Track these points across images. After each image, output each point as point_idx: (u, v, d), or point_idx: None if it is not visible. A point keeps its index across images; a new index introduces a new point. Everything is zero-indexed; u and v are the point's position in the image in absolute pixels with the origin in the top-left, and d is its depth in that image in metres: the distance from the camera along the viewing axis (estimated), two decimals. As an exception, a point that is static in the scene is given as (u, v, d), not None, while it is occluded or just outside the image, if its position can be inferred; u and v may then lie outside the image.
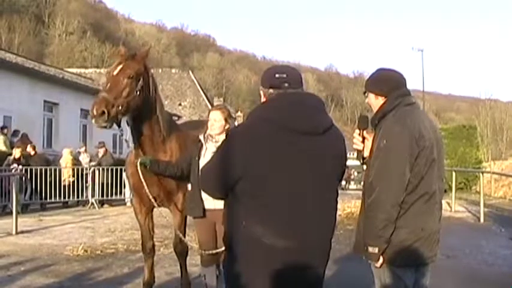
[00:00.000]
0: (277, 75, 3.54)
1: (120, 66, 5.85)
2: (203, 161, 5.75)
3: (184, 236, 6.76)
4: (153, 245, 6.97)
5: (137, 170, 6.39)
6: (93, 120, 5.63)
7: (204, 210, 5.83)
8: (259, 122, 3.36)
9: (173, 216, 6.64)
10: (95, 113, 5.55)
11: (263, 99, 3.58)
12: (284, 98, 3.44)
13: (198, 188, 5.73)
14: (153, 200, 6.36)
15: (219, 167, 3.46)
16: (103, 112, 5.55)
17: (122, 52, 6.06)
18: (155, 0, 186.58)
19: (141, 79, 5.94)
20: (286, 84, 3.50)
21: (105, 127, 5.72)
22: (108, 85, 5.78)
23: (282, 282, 3.29)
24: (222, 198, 3.59)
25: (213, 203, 5.63)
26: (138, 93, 5.89)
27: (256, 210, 3.29)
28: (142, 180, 6.19)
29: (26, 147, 20.18)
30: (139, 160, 6.20)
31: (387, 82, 4.34)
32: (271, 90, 3.52)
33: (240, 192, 3.34)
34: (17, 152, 19.22)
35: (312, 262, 3.38)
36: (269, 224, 3.26)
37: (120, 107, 5.71)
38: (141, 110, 6.07)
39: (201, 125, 6.84)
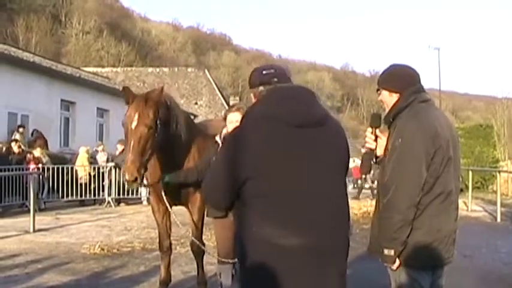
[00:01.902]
0: (264, 72, 3.65)
1: (136, 116, 5.85)
2: None
3: (202, 236, 6.79)
4: (170, 244, 7.00)
5: (154, 169, 6.44)
6: (127, 183, 5.86)
7: None
8: (253, 120, 3.31)
9: (191, 214, 6.66)
10: (128, 178, 5.69)
11: (254, 100, 3.61)
12: (273, 93, 3.42)
13: None
14: (168, 204, 6.43)
15: (220, 173, 3.38)
16: (136, 178, 5.69)
17: (133, 97, 6.02)
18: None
19: (158, 121, 5.97)
20: (275, 79, 3.58)
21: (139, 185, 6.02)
22: (132, 144, 5.81)
23: (301, 283, 3.23)
24: (229, 208, 3.55)
25: None
26: (159, 137, 5.97)
27: (265, 211, 3.21)
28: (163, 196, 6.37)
29: (41, 145, 20.31)
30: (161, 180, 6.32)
31: (401, 78, 4.26)
32: (261, 88, 3.60)
33: (246, 195, 3.26)
34: (36, 151, 19.41)
35: (329, 259, 3.28)
36: (280, 224, 3.18)
37: (146, 159, 5.88)
38: (165, 142, 6.17)
39: (220, 124, 6.84)
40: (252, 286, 3.36)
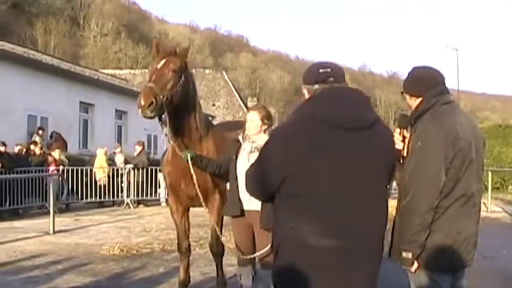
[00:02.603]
0: (321, 70, 3.53)
1: (163, 61, 5.92)
2: (240, 161, 5.78)
3: (221, 235, 6.78)
4: (189, 245, 6.99)
5: (174, 169, 6.45)
6: (140, 111, 5.63)
7: (242, 210, 5.82)
8: (303, 120, 3.32)
9: (210, 215, 6.60)
10: (143, 103, 5.57)
11: (307, 96, 3.55)
12: (328, 93, 3.41)
13: (236, 188, 5.75)
14: (194, 177, 6.22)
15: (262, 168, 3.45)
16: (151, 102, 5.59)
17: (164, 47, 6.12)
18: (188, 1, 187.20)
19: (182, 75, 6.01)
20: (331, 79, 3.48)
21: (151, 117, 5.77)
22: (154, 77, 5.82)
23: (332, 283, 3.25)
24: (268, 201, 3.58)
25: (249, 204, 5.63)
26: (180, 88, 5.96)
27: (303, 211, 3.24)
28: (191, 168, 6.15)
29: (60, 147, 20.45)
30: (183, 152, 6.18)
31: (421, 82, 4.24)
32: (316, 86, 3.49)
33: (285, 193, 3.31)
34: (56, 153, 19.56)
35: (362, 261, 3.31)
36: (316, 224, 3.21)
37: (165, 98, 5.76)
38: (182, 106, 6.13)
39: (237, 126, 6.85)
40: (282, 279, 3.41)
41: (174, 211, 6.89)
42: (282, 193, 3.34)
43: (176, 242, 7.09)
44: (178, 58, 6.03)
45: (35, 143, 19.98)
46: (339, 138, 3.24)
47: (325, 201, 3.23)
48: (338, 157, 3.24)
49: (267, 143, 3.53)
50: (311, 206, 3.24)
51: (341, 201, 3.24)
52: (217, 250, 6.92)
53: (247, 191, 4.03)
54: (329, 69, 3.52)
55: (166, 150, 7.00)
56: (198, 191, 6.17)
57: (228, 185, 6.13)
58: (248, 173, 3.76)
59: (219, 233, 6.50)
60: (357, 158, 3.27)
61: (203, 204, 6.36)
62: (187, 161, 6.08)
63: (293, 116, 3.45)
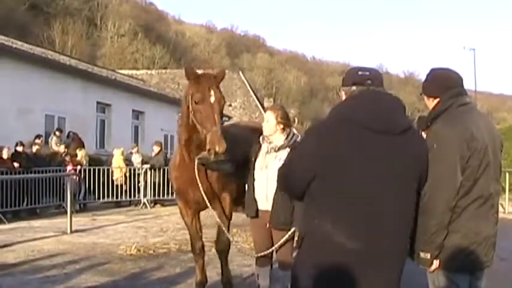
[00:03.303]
0: (360, 73, 3.62)
1: (212, 92, 5.87)
2: (257, 162, 5.79)
3: (226, 236, 6.73)
4: (203, 245, 6.97)
5: (181, 174, 6.42)
6: (212, 156, 5.60)
7: (257, 210, 5.83)
8: (336, 121, 3.38)
9: (218, 218, 6.55)
10: (221, 151, 5.53)
11: (344, 97, 3.63)
12: (364, 96, 3.47)
13: (253, 189, 5.77)
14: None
15: (293, 165, 3.53)
16: (226, 149, 5.56)
17: (204, 75, 6.08)
18: (205, 2, 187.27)
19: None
20: (369, 82, 3.55)
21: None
22: (216, 117, 5.77)
23: (347, 283, 3.26)
24: (299, 198, 3.62)
25: (266, 204, 5.64)
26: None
27: (329, 210, 3.29)
28: (197, 176, 6.12)
29: (78, 147, 20.60)
30: (199, 156, 6.11)
31: (438, 83, 4.28)
32: (354, 88, 3.58)
33: (314, 191, 3.36)
34: (79, 154, 19.79)
35: (382, 265, 3.32)
36: (341, 224, 3.25)
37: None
38: None
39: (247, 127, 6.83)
40: (301, 271, 3.45)
41: (184, 214, 6.89)
42: (311, 189, 3.38)
43: (190, 243, 7.09)
44: (219, 84, 6.03)
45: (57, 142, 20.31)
46: (371, 141, 3.28)
47: (351, 202, 3.26)
48: (369, 160, 3.28)
49: (302, 140, 3.59)
50: (337, 206, 3.28)
51: (367, 204, 3.27)
52: (223, 248, 6.88)
53: (279, 188, 4.09)
54: (367, 73, 3.61)
55: (174, 154, 6.98)
56: (204, 197, 6.20)
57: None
58: (280, 170, 3.83)
59: (225, 230, 6.47)
60: (387, 162, 3.30)
61: (210, 208, 6.36)
62: (203, 165, 6.05)
63: (329, 115, 3.50)
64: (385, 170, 3.29)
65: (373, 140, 3.28)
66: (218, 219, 6.49)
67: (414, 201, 3.53)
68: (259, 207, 5.81)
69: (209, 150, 5.56)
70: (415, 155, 3.48)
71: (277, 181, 3.96)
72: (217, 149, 5.50)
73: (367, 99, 3.43)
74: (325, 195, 3.31)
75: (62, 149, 19.82)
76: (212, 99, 5.85)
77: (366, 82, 3.55)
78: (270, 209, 5.58)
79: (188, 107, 5.98)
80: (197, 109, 5.86)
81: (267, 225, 5.64)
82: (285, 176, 3.69)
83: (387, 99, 3.53)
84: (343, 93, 3.68)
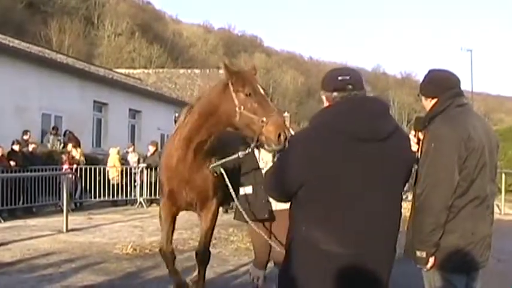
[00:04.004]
0: (340, 78, 3.49)
1: (258, 85, 5.63)
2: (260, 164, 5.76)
3: (210, 243, 6.64)
4: (173, 249, 6.70)
5: (177, 175, 6.25)
6: (276, 145, 4.86)
7: (271, 212, 5.77)
8: (321, 129, 3.33)
9: (203, 222, 6.44)
10: (288, 135, 4.95)
11: (326, 104, 3.54)
12: (346, 104, 3.40)
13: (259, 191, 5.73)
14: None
15: (280, 173, 3.48)
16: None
17: (254, 67, 6.00)
18: (203, 1, 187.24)
19: None
20: (350, 86, 3.44)
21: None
22: (276, 106, 5.65)
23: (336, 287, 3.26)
24: (287, 201, 3.60)
25: (278, 204, 5.62)
26: None
27: (316, 216, 3.28)
28: (197, 178, 6.10)
29: (74, 146, 20.59)
30: (213, 165, 5.99)
31: (436, 84, 4.31)
32: (335, 94, 3.46)
33: (301, 199, 3.35)
34: (75, 153, 19.79)
35: (370, 269, 3.32)
36: (327, 231, 3.24)
37: None
38: None
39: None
40: (287, 278, 3.46)
41: (165, 217, 6.60)
42: (298, 197, 3.37)
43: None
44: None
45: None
46: (358, 149, 3.26)
47: (337, 209, 3.26)
48: (356, 167, 3.26)
49: (287, 148, 3.55)
50: (323, 213, 3.27)
51: (353, 210, 3.26)
52: (203, 258, 6.65)
53: (266, 192, 4.05)
54: (348, 77, 3.49)
55: (163, 153, 6.77)
56: (196, 199, 6.17)
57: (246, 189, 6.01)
58: (267, 175, 3.82)
59: (209, 240, 6.39)
60: (374, 168, 3.29)
61: (198, 212, 6.30)
62: (216, 174, 5.96)
63: (312, 123, 3.46)
64: (373, 176, 3.28)
65: (359, 148, 3.25)
66: (203, 226, 6.41)
67: (399, 205, 3.50)
68: (274, 208, 5.64)
69: (279, 136, 4.86)
70: (401, 157, 3.47)
71: (264, 185, 3.93)
72: (287, 132, 4.99)
73: (351, 108, 3.36)
74: (313, 202, 3.29)
75: (58, 147, 19.78)
76: (262, 90, 5.75)
77: (347, 87, 3.44)
78: (285, 207, 5.53)
79: (234, 104, 5.51)
80: (249, 101, 5.49)
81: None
82: (271, 182, 3.66)
83: (370, 105, 3.47)
84: (324, 98, 3.57)
